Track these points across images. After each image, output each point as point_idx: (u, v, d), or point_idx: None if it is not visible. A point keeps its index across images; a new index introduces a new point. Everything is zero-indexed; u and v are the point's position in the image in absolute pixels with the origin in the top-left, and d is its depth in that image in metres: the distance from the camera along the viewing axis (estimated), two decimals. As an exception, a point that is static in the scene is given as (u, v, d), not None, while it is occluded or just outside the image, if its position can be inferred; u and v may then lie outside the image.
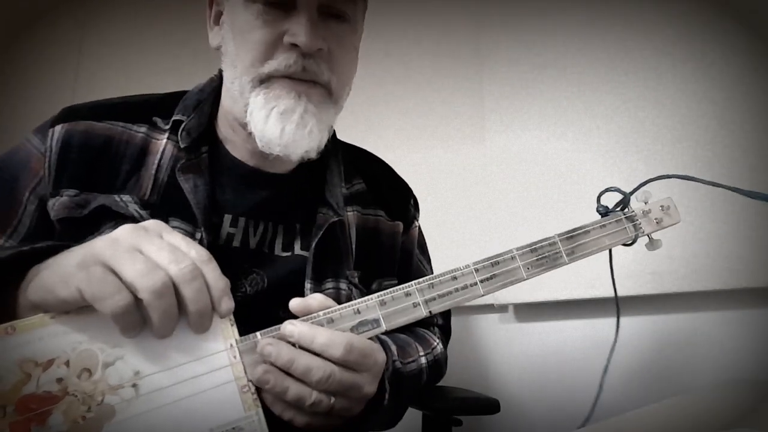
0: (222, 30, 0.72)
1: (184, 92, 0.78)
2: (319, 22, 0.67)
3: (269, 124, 0.66)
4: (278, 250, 0.74)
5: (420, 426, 0.95)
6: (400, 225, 0.86)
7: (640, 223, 0.71)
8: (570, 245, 0.65)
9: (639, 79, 1.30)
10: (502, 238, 1.37)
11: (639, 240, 0.72)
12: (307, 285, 0.72)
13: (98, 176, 0.68)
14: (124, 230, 0.48)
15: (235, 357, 0.50)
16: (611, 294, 1.26)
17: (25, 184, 0.68)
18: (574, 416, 0.89)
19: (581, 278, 1.25)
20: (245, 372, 0.50)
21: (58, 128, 0.68)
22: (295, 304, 0.55)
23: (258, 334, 0.52)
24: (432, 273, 0.89)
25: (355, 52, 0.75)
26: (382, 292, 0.56)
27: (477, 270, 0.60)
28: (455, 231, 1.46)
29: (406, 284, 0.57)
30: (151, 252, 0.46)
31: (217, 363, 0.49)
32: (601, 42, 1.35)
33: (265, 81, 0.67)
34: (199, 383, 0.48)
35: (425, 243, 0.95)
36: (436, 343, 0.85)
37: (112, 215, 0.66)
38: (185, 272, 0.46)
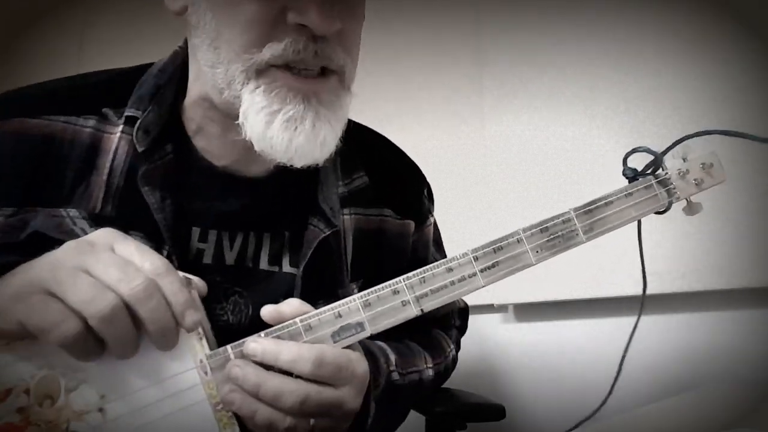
0: None
1: (140, 70, 0.63)
2: None
3: (272, 131, 0.53)
4: (264, 264, 0.64)
5: (423, 429, 0.94)
6: (411, 224, 0.74)
7: (674, 187, 0.60)
8: (588, 220, 0.56)
9: (639, 78, 1.30)
10: (502, 233, 1.37)
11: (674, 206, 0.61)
12: None
13: (37, 188, 0.56)
14: (67, 248, 0.43)
15: (206, 373, 0.46)
16: (611, 294, 1.26)
17: None
18: (574, 416, 0.89)
19: (581, 278, 1.25)
20: (217, 389, 0.46)
21: None
22: (266, 312, 0.49)
23: (228, 347, 0.47)
24: None
25: (361, 24, 0.61)
26: (365, 291, 0.50)
27: (476, 258, 0.51)
28: (454, 228, 1.45)
29: (394, 280, 0.50)
30: (97, 271, 0.41)
31: (187, 382, 0.45)
32: (600, 42, 1.35)
33: (262, 72, 0.53)
34: (169, 404, 0.45)
35: (441, 240, 0.84)
36: (449, 351, 0.78)
37: (55, 238, 0.55)
38: (137, 291, 0.40)
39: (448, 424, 0.90)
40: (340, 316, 0.49)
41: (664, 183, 0.60)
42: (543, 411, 1.31)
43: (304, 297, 0.58)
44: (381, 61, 1.61)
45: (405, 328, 0.75)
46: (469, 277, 0.51)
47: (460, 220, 1.46)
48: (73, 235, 0.53)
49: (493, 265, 0.52)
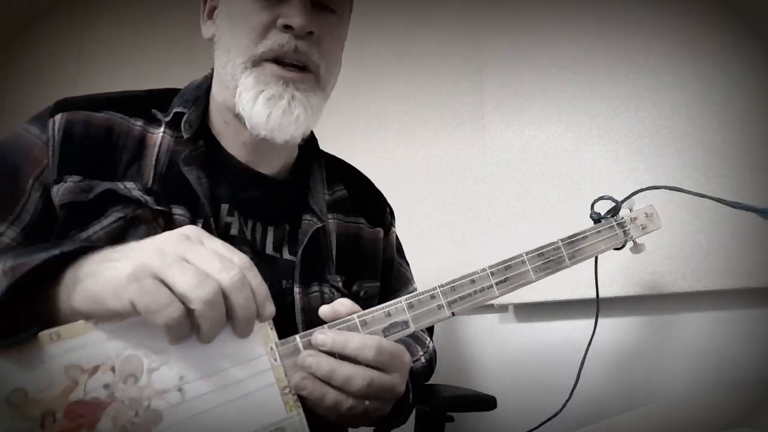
0: (216, 21, 0.77)
1: (173, 90, 0.80)
2: (311, 10, 0.71)
3: (257, 107, 0.69)
4: (269, 249, 0.76)
5: (413, 422, 0.95)
6: (381, 231, 0.90)
7: (629, 229, 0.78)
8: (571, 249, 0.71)
9: (639, 79, 1.30)
10: (502, 238, 1.37)
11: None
12: (296, 289, 0.74)
13: (100, 165, 0.69)
14: (169, 238, 0.48)
15: (275, 360, 0.51)
16: (611, 294, 1.27)
17: (28, 172, 0.68)
18: (573, 416, 0.89)
19: (581, 278, 1.25)
20: (285, 374, 0.51)
21: (58, 118, 0.69)
22: (324, 311, 0.57)
23: (297, 337, 0.54)
24: (411, 274, 0.97)
25: (341, 45, 0.78)
26: (409, 295, 0.60)
27: (492, 273, 0.64)
28: (455, 228, 1.46)
29: (430, 288, 0.61)
30: (199, 261, 0.46)
31: (258, 366, 0.50)
32: (600, 42, 1.35)
33: (257, 63, 0.70)
34: (242, 387, 0.49)
35: (402, 247, 1.00)
36: (428, 341, 0.89)
37: (117, 200, 0.67)
38: (235, 281, 0.46)
39: (439, 415, 0.94)
40: (389, 314, 0.59)
41: (621, 225, 0.78)
42: (543, 411, 1.31)
43: (302, 278, 0.75)
44: (381, 63, 1.61)
45: None
46: (487, 288, 0.64)
47: (460, 220, 1.46)
48: (132, 197, 0.67)
49: (505, 280, 0.66)
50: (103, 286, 0.46)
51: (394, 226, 0.96)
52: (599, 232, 0.75)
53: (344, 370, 0.53)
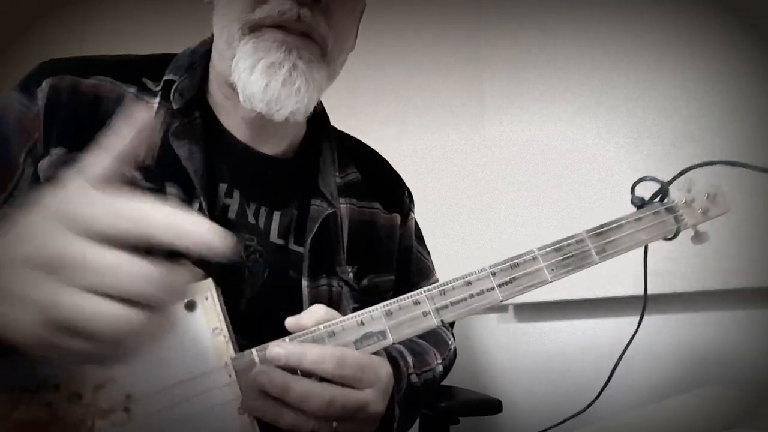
0: None
1: (171, 54, 0.72)
2: None
3: (254, 76, 0.60)
4: (274, 236, 0.68)
5: (417, 423, 0.95)
6: (398, 217, 0.80)
7: (681, 215, 0.63)
8: (600, 242, 0.59)
9: (639, 78, 1.30)
10: (502, 236, 1.37)
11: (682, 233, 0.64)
12: (304, 282, 0.67)
13: (87, 135, 0.59)
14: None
15: (230, 376, 0.46)
16: (611, 294, 1.26)
17: (19, 144, 0.61)
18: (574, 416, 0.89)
19: (581, 278, 1.25)
20: (241, 392, 0.46)
21: (43, 84, 0.63)
22: (289, 323, 0.50)
23: (254, 350, 0.48)
24: (432, 264, 0.87)
25: (355, 17, 0.69)
26: (388, 302, 0.52)
27: (494, 273, 0.54)
28: (454, 228, 1.46)
29: (415, 292, 0.52)
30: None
31: (212, 383, 0.46)
32: (601, 42, 1.35)
33: (255, 29, 0.60)
34: (193, 405, 0.45)
35: (422, 234, 0.92)
36: (451, 343, 0.82)
37: None
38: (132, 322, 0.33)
39: (445, 419, 0.91)
40: (362, 324, 0.50)
41: (671, 210, 0.63)
42: (543, 410, 1.31)
43: (310, 271, 0.67)
44: (381, 63, 1.61)
45: None
46: (488, 291, 0.53)
47: (460, 219, 1.46)
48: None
49: (511, 281, 0.54)
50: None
51: (413, 212, 0.86)
52: (639, 219, 0.61)
53: (299, 386, 0.46)
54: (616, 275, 1.22)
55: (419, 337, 0.75)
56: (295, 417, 0.46)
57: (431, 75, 1.58)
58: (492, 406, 0.92)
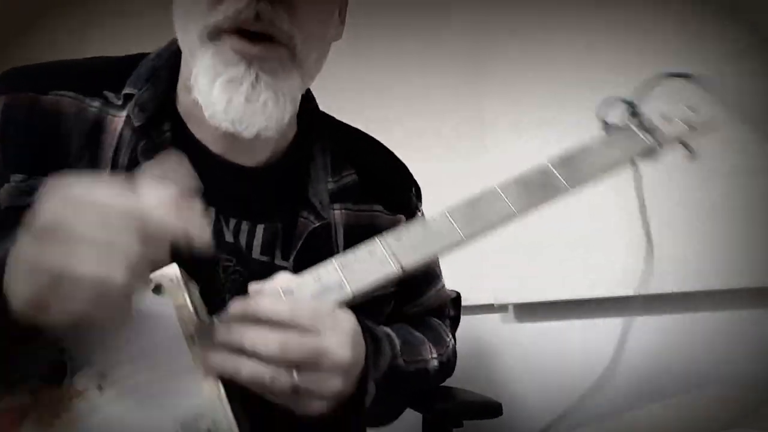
0: None
1: (143, 55, 0.67)
2: None
3: (214, 93, 0.55)
4: (256, 253, 0.64)
5: (420, 426, 0.95)
6: (402, 218, 0.75)
7: (658, 129, 0.57)
8: (568, 170, 0.56)
9: (639, 79, 1.29)
10: (502, 245, 1.37)
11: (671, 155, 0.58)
12: None
13: (47, 158, 0.58)
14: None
15: (194, 341, 0.48)
16: (611, 294, 1.26)
17: None
18: (573, 416, 0.89)
19: (581, 278, 1.25)
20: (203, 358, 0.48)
21: None
22: (253, 288, 0.51)
23: (214, 317, 0.50)
24: (439, 269, 0.84)
25: (326, 9, 0.62)
26: (341, 253, 0.52)
27: (451, 213, 0.53)
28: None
29: (369, 240, 0.52)
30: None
31: (177, 352, 0.47)
32: (601, 44, 1.35)
33: (214, 36, 0.55)
34: (163, 378, 0.47)
35: None
36: (449, 340, 0.80)
37: None
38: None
39: (446, 422, 0.90)
40: (319, 278, 0.50)
41: (643, 125, 0.58)
42: (542, 411, 1.31)
43: None
44: (380, 63, 1.61)
45: (403, 320, 0.75)
46: (447, 232, 0.51)
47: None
48: None
49: (472, 219, 0.52)
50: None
51: (419, 210, 0.80)
52: (609, 140, 0.57)
53: (252, 331, 0.46)
54: (613, 275, 1.22)
55: (415, 329, 0.75)
56: (253, 367, 0.45)
57: (431, 76, 1.57)
58: (491, 409, 0.90)
